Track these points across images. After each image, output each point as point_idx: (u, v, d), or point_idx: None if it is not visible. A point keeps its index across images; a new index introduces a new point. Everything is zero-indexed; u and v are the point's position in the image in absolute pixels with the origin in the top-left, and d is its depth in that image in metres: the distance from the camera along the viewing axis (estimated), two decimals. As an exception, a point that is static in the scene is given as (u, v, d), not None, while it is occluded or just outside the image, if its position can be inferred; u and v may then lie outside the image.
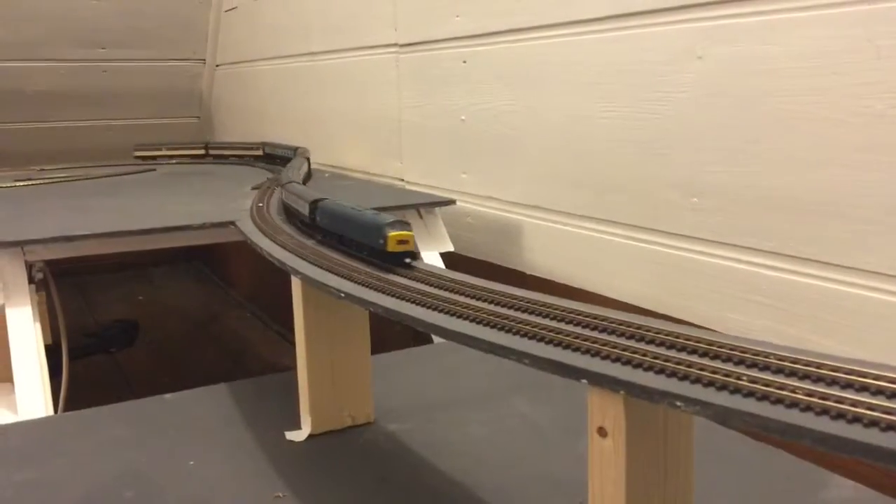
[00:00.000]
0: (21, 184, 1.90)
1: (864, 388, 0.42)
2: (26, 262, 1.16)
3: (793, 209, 0.92)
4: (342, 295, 0.74)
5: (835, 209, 0.88)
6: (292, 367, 0.91)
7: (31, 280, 1.15)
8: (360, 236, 0.82)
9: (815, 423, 0.40)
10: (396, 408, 0.96)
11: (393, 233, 0.76)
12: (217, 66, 2.80)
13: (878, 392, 0.42)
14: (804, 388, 0.43)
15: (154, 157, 2.21)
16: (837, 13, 0.85)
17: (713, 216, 1.01)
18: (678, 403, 0.45)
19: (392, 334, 1.34)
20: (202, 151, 2.15)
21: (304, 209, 0.98)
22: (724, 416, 0.43)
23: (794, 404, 0.42)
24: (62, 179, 1.99)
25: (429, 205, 1.44)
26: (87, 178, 2.03)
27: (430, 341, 1.23)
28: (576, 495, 0.55)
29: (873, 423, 0.39)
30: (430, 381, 1.08)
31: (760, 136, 0.95)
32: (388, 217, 0.79)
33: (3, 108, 2.53)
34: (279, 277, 0.91)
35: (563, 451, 0.84)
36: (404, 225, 0.78)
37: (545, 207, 1.31)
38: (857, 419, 0.40)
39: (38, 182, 1.93)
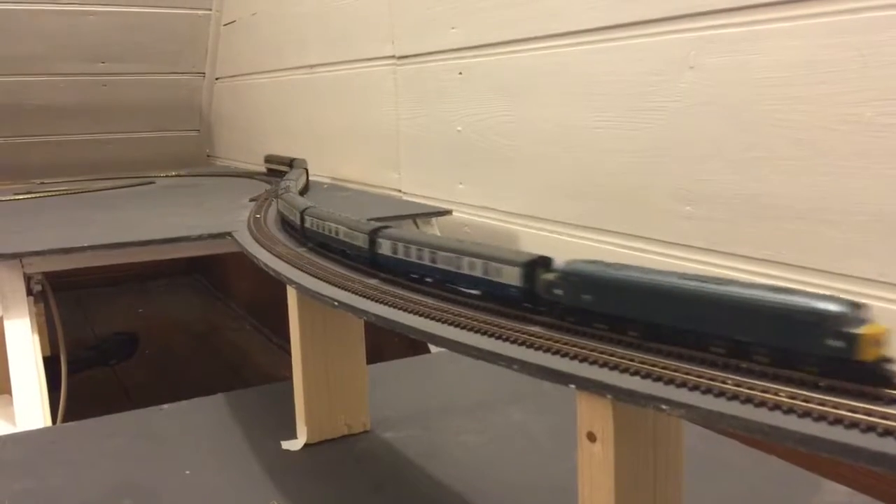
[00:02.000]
0: (21, 197, 1.91)
1: (845, 392, 0.43)
2: (25, 274, 1.16)
3: (786, 217, 0.93)
4: (336, 304, 0.74)
5: (826, 216, 0.88)
6: (290, 378, 0.92)
7: (29, 292, 1.16)
8: (756, 333, 0.47)
9: (797, 424, 0.41)
10: (392, 416, 0.97)
11: (864, 330, 0.43)
12: (216, 79, 2.81)
13: (860, 395, 0.42)
14: (787, 391, 0.44)
15: (277, 171, 2.24)
16: (825, 22, 0.86)
17: (707, 224, 1.02)
18: (664, 407, 0.46)
19: (390, 345, 1.35)
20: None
21: (506, 275, 0.64)
22: (709, 419, 0.44)
23: (776, 407, 0.43)
24: (62, 192, 2.00)
25: (425, 215, 1.45)
26: (86, 192, 2.04)
27: (428, 351, 1.24)
28: None
29: (854, 424, 0.40)
30: (426, 390, 1.08)
31: (752, 145, 0.95)
32: (818, 297, 0.46)
33: (2, 122, 2.54)
34: (278, 289, 0.92)
35: (558, 460, 0.84)
36: (859, 308, 0.45)
37: (541, 217, 1.32)
38: (838, 421, 0.41)
39: (37, 195, 1.94)
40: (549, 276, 0.60)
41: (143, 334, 2.45)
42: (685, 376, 0.48)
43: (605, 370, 0.51)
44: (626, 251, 1.14)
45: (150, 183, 2.20)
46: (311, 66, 2.10)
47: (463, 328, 0.61)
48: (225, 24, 2.65)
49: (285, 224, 1.13)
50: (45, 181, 2.26)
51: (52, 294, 1.34)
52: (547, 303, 0.60)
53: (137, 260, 1.27)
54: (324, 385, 0.89)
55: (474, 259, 0.67)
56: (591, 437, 0.52)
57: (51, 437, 0.98)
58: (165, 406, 1.02)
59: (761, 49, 0.93)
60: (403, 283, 0.75)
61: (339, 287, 0.78)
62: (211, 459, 0.88)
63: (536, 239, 1.33)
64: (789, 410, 0.42)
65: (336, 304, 0.74)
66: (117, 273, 2.81)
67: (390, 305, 0.70)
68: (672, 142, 1.05)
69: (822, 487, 0.78)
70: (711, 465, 0.82)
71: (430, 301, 0.68)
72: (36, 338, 1.11)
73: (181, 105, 2.85)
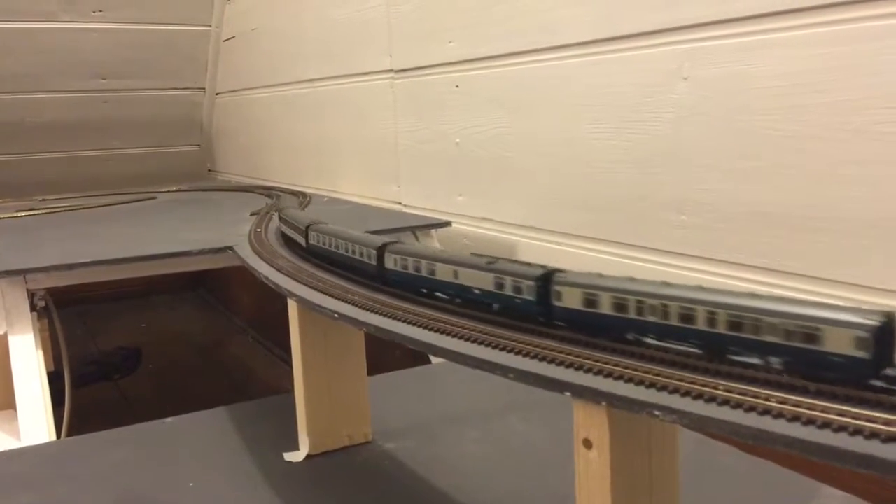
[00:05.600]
0: (23, 213, 1.92)
1: (833, 396, 0.44)
2: (28, 290, 1.17)
3: (780, 225, 0.94)
4: (336, 316, 0.75)
5: (820, 224, 0.89)
6: (292, 391, 0.93)
7: (33, 308, 1.17)
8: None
9: (785, 428, 0.42)
10: (394, 427, 0.97)
11: None
12: (217, 94, 2.83)
13: (847, 399, 0.43)
14: (777, 396, 0.45)
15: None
16: (815, 33, 0.87)
17: (702, 233, 1.03)
18: (657, 413, 0.47)
19: (391, 357, 1.35)
20: None
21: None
22: (701, 424, 0.45)
23: (766, 411, 0.44)
24: (64, 209, 2.02)
25: (425, 227, 1.46)
26: (88, 207, 2.05)
27: (428, 362, 1.25)
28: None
29: (841, 428, 0.41)
30: (427, 400, 1.09)
31: (746, 154, 0.96)
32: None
33: (5, 139, 2.56)
34: (279, 302, 0.93)
35: (558, 468, 0.85)
36: None
37: (539, 228, 1.33)
38: (826, 425, 0.41)
39: (40, 211, 1.96)
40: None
41: (146, 349, 2.46)
42: (678, 382, 0.48)
43: (600, 377, 0.52)
44: (624, 260, 1.15)
45: (152, 198, 2.22)
46: (311, 81, 2.12)
47: (460, 338, 0.62)
48: (225, 40, 2.67)
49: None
50: (48, 198, 2.27)
51: (56, 309, 1.35)
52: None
53: (140, 275, 1.28)
54: (325, 397, 0.90)
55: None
56: (588, 444, 0.53)
57: (55, 451, 0.99)
58: (169, 419, 1.03)
59: (754, 60, 0.94)
60: (403, 295, 0.76)
61: (339, 299, 0.79)
62: (214, 472, 0.89)
63: (535, 249, 1.34)
64: (778, 415, 0.43)
65: (336, 315, 0.75)
66: (120, 288, 2.82)
67: (390, 317, 0.71)
68: (667, 152, 1.07)
69: (818, 492, 0.78)
70: (707, 470, 0.82)
71: (428, 312, 0.69)
72: (40, 353, 1.12)
73: (182, 120, 2.87)
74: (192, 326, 2.91)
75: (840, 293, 0.88)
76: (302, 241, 0.99)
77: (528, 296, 0.60)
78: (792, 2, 0.89)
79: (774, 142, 0.93)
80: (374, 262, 0.79)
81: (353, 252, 0.83)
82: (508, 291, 0.62)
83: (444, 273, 0.69)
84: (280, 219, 1.15)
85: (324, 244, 0.92)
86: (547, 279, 0.59)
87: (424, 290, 0.72)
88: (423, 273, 0.71)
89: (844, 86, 0.85)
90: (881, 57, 0.82)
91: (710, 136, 1.00)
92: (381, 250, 0.78)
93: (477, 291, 0.65)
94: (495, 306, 0.64)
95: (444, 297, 0.69)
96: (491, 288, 0.64)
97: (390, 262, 0.76)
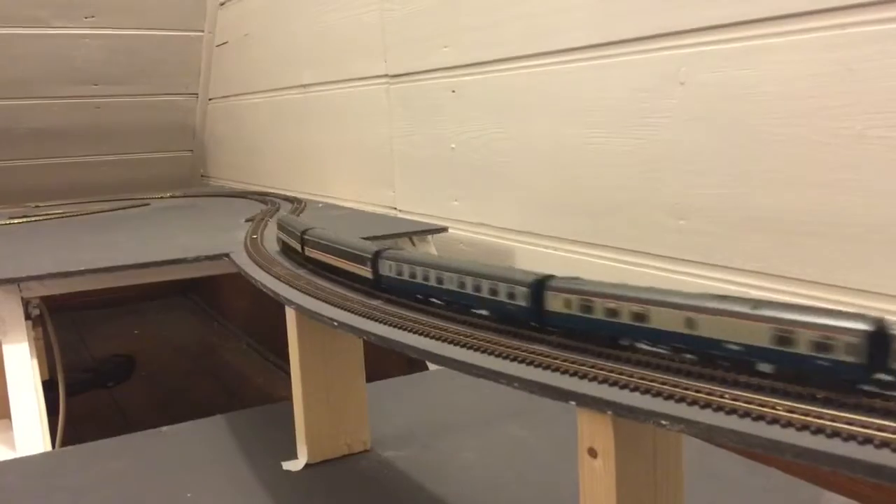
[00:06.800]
0: (16, 221, 1.91)
1: (841, 404, 0.43)
2: (23, 298, 1.16)
3: (777, 229, 0.94)
4: (335, 324, 0.75)
5: (817, 228, 0.89)
6: (289, 398, 0.92)
7: (27, 316, 1.16)
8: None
9: (795, 438, 0.42)
10: (392, 435, 0.97)
11: None
12: (210, 99, 2.82)
13: (856, 407, 0.43)
14: (785, 405, 0.44)
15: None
16: (812, 38, 0.87)
17: (699, 238, 1.03)
18: (663, 422, 0.46)
19: (388, 363, 1.35)
20: None
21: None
22: (709, 434, 0.45)
23: (775, 420, 0.43)
24: (57, 216, 2.01)
25: (421, 232, 1.45)
26: (82, 214, 2.04)
27: (426, 368, 1.24)
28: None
29: (851, 437, 0.41)
30: (425, 407, 1.08)
31: (743, 159, 0.96)
32: None
33: (-3, 146, 2.55)
34: (275, 309, 0.92)
35: (558, 475, 0.85)
36: None
37: (536, 233, 1.33)
38: (835, 434, 0.41)
39: (33, 219, 1.95)
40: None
41: (140, 356, 2.45)
42: (684, 391, 0.48)
43: (605, 386, 0.51)
44: (621, 265, 1.15)
45: (146, 204, 2.21)
46: (305, 86, 2.12)
47: (463, 347, 0.62)
48: (217, 46, 2.67)
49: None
50: (41, 204, 2.26)
51: (50, 318, 1.34)
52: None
53: (135, 282, 1.27)
54: (324, 405, 0.90)
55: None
56: (592, 453, 0.53)
57: (51, 461, 0.98)
58: (165, 428, 1.02)
59: (751, 65, 0.94)
60: (403, 302, 0.75)
61: (338, 307, 0.79)
62: (212, 481, 0.88)
63: (532, 254, 1.34)
64: (787, 424, 0.43)
65: (336, 324, 0.75)
66: (113, 294, 2.81)
67: (390, 325, 0.70)
68: (664, 157, 1.06)
69: (821, 498, 0.78)
70: (712, 478, 0.82)
71: (430, 320, 0.69)
72: (35, 362, 1.11)
73: (175, 126, 2.86)
74: (186, 333, 2.90)
75: (837, 297, 0.88)
76: (366, 272, 0.83)
77: (848, 356, 0.44)
78: (789, 7, 0.89)
79: (772, 146, 0.93)
80: (524, 304, 0.63)
81: (480, 289, 0.67)
82: (803, 350, 0.46)
83: (665, 320, 0.53)
84: (306, 241, 0.99)
85: (413, 277, 0.75)
86: (882, 337, 0.43)
87: (611, 337, 0.57)
88: (624, 319, 0.55)
89: (842, 90, 0.85)
90: (879, 62, 0.82)
91: (708, 141, 1.00)
92: (539, 288, 0.62)
93: (735, 347, 0.49)
94: (767, 368, 0.49)
95: (664, 350, 0.54)
96: (765, 344, 0.48)
97: (557, 304, 0.60)
